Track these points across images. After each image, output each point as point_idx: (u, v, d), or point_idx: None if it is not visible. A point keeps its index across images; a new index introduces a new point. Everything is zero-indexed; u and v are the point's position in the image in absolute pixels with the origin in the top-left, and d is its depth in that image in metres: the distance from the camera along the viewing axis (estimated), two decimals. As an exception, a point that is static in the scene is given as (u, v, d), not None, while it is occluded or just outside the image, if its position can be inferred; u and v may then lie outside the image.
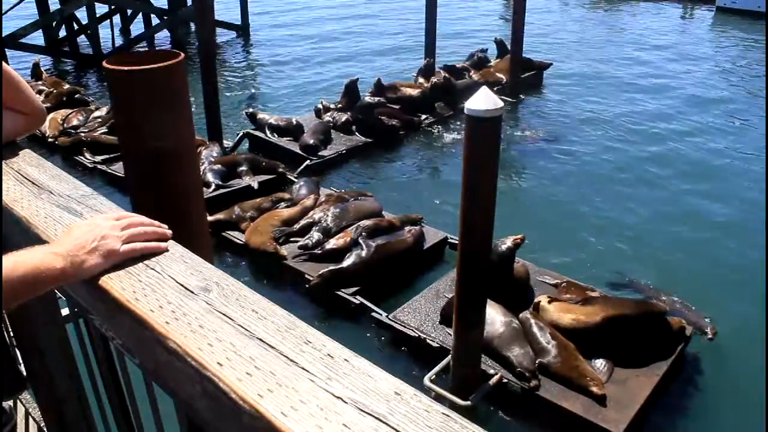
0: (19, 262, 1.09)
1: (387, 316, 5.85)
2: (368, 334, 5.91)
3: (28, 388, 2.62)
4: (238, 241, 7.13)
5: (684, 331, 5.52)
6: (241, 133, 10.26)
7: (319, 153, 9.60)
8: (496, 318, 5.29)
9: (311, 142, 9.60)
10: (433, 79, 11.76)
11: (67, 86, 12.05)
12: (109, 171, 9.06)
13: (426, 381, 5.03)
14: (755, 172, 9.49)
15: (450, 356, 5.02)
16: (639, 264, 7.04)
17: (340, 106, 11.13)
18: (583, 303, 5.62)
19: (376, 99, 11.04)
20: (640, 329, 5.37)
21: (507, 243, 5.82)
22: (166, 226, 1.26)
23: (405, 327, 5.72)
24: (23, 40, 14.46)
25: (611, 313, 5.32)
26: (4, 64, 1.65)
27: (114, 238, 1.16)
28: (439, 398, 4.80)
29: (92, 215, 1.32)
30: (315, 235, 6.88)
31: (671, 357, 5.29)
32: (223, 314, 0.98)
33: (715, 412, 5.14)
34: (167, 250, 1.19)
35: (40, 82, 12.36)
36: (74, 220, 1.30)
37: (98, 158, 9.40)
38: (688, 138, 10.96)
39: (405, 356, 5.64)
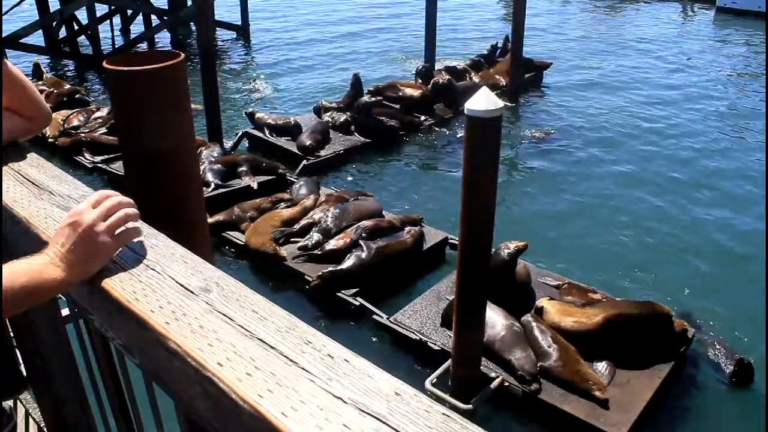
0: (19, 272, 1.08)
1: (388, 319, 5.85)
2: (368, 336, 5.91)
3: (28, 388, 2.62)
4: (238, 242, 7.13)
5: (686, 333, 5.51)
6: (240, 133, 10.26)
7: (318, 153, 9.60)
8: (497, 321, 5.29)
9: (308, 142, 9.60)
10: (435, 79, 11.75)
11: (67, 86, 12.06)
12: (109, 170, 9.06)
13: (427, 384, 5.02)
14: (753, 171, 9.50)
15: (451, 359, 5.02)
16: (641, 264, 7.04)
17: (340, 105, 11.14)
18: (585, 305, 5.61)
19: (374, 99, 11.05)
20: (642, 330, 5.36)
21: (510, 248, 5.81)
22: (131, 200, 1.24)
23: (406, 329, 5.71)
24: (23, 41, 14.46)
25: (611, 314, 5.31)
26: (11, 65, 1.64)
27: (102, 233, 1.14)
28: (440, 402, 4.79)
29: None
30: (315, 235, 6.88)
31: (673, 359, 5.28)
32: (223, 314, 0.98)
33: (718, 414, 5.13)
34: (139, 229, 1.19)
35: (40, 82, 12.36)
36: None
37: (98, 158, 9.40)
38: (689, 138, 10.97)
39: (406, 359, 5.64)
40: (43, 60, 15.26)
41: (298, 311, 0.96)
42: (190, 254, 1.18)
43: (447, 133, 11.08)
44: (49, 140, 10.04)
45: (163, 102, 1.87)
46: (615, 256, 7.26)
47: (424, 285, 6.55)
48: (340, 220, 7.05)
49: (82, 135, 9.94)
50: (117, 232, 1.16)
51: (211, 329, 0.94)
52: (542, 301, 5.66)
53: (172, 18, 17.09)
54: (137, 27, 18.22)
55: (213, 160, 8.66)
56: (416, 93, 11.59)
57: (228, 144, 9.91)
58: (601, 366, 5.13)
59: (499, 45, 14.15)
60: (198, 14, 9.52)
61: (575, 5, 23.90)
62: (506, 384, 5.02)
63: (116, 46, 16.77)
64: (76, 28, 16.74)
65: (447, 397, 4.90)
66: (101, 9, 16.62)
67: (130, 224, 1.19)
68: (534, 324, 5.33)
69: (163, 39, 17.90)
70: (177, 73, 1.89)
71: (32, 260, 1.13)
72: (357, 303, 6.11)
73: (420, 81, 12.34)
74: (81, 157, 9.58)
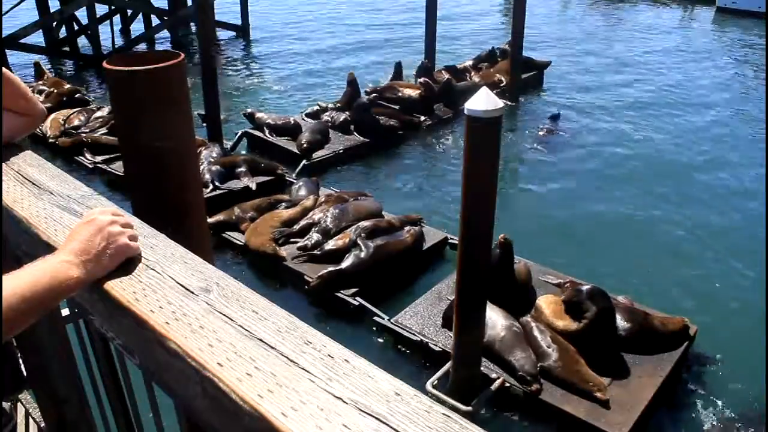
0: (41, 272, 1.09)
1: (389, 320, 5.84)
2: (369, 337, 5.90)
3: (27, 388, 2.62)
4: (238, 242, 7.13)
5: (688, 330, 5.51)
6: (239, 133, 10.26)
7: (317, 153, 9.60)
8: (497, 321, 5.27)
9: (307, 142, 9.59)
10: (424, 79, 11.70)
11: (68, 86, 12.05)
12: (109, 170, 9.06)
13: (428, 386, 5.00)
14: (754, 170, 9.50)
15: (451, 359, 5.01)
16: (643, 262, 7.04)
17: (338, 105, 11.14)
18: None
19: (372, 96, 11.05)
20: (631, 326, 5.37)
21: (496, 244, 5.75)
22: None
23: (407, 331, 5.70)
24: (23, 41, 14.46)
25: (596, 312, 5.28)
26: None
27: (118, 234, 1.16)
28: (440, 404, 4.78)
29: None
30: (314, 236, 6.87)
31: (675, 357, 5.28)
32: (224, 315, 0.98)
33: (720, 413, 5.12)
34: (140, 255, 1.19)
35: (40, 82, 12.37)
36: (74, 220, 1.30)
37: (98, 158, 9.40)
38: (690, 137, 10.97)
39: (407, 360, 5.63)
40: (43, 60, 15.26)
41: (297, 311, 0.96)
42: (189, 254, 1.18)
43: (447, 132, 11.08)
44: (50, 140, 10.04)
45: (163, 102, 1.86)
46: (617, 255, 7.26)
47: (424, 285, 6.54)
48: (340, 220, 7.05)
49: (83, 135, 9.94)
50: (131, 233, 1.18)
51: (211, 329, 0.94)
52: (540, 299, 5.65)
53: (172, 18, 17.09)
54: (137, 27, 18.22)
55: (212, 160, 8.64)
56: (415, 93, 11.59)
57: (228, 144, 9.91)
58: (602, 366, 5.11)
59: (497, 50, 14.08)
60: (198, 14, 9.52)
61: (575, 5, 23.90)
62: (507, 385, 5.02)
63: (116, 46, 16.77)
64: (76, 28, 16.74)
65: (448, 399, 4.88)
66: (101, 9, 16.62)
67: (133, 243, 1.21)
68: (533, 324, 5.33)
69: (163, 39, 17.90)
70: (177, 73, 1.88)
71: (50, 260, 1.13)
72: (356, 303, 6.11)
73: (420, 80, 12.31)
74: (81, 158, 9.58)
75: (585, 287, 5.39)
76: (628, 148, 10.49)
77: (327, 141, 10.03)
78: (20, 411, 2.66)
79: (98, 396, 1.71)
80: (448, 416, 0.77)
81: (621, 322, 5.41)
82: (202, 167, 8.30)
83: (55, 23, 16.12)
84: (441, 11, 12.96)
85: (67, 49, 16.37)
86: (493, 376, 5.06)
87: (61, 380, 1.86)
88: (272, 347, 0.89)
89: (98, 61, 14.18)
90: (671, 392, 5.23)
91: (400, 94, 11.60)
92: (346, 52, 16.94)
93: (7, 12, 16.06)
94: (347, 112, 10.70)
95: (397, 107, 11.34)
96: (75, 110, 10.77)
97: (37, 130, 10.52)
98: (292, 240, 7.00)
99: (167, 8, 17.38)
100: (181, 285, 1.07)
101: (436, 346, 5.48)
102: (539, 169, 9.78)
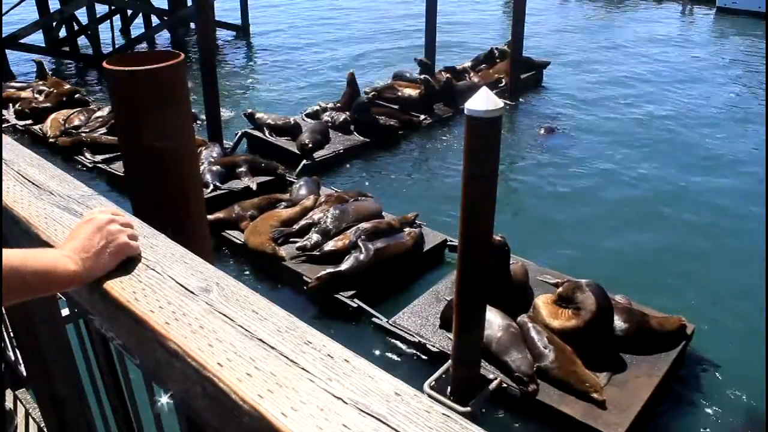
0: (34, 257, 1.10)
1: (387, 321, 5.84)
2: (367, 338, 5.89)
3: (28, 388, 2.62)
4: (237, 241, 7.13)
5: (685, 329, 5.51)
6: (239, 133, 10.26)
7: (318, 153, 9.60)
8: (494, 322, 5.26)
9: (307, 142, 9.59)
10: (425, 76, 11.70)
11: (67, 86, 12.05)
12: (109, 170, 9.07)
13: (426, 387, 5.00)
14: (754, 172, 9.50)
15: (449, 361, 5.01)
16: (643, 262, 7.04)
17: (338, 105, 11.15)
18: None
19: (371, 95, 11.05)
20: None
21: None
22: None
23: (405, 332, 5.69)
24: (23, 41, 14.46)
25: (592, 312, 5.28)
26: None
27: (117, 232, 1.16)
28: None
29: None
30: (314, 236, 6.86)
31: (672, 356, 5.28)
32: (223, 315, 0.98)
33: (719, 412, 5.12)
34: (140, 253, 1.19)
35: (41, 82, 12.38)
36: (74, 220, 1.30)
37: (98, 158, 9.41)
38: (689, 136, 10.97)
39: (405, 361, 5.63)
40: (43, 60, 15.26)
41: (296, 312, 0.96)
42: (190, 254, 1.18)
43: (447, 132, 11.08)
44: (50, 140, 10.05)
45: (163, 102, 1.87)
46: (617, 254, 7.26)
47: (423, 286, 6.53)
48: (340, 221, 7.03)
49: (83, 135, 9.94)
50: (130, 233, 1.19)
51: (211, 329, 0.95)
52: (537, 299, 5.65)
53: (172, 18, 17.09)
54: (137, 27, 18.21)
55: (212, 160, 8.65)
56: (415, 92, 11.60)
57: (228, 144, 9.91)
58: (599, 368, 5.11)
59: (497, 51, 14.06)
60: (198, 14, 9.52)
61: (574, 4, 23.90)
62: (504, 385, 5.02)
63: (116, 46, 16.76)
64: (76, 28, 16.74)
65: (445, 400, 4.88)
66: (101, 9, 16.62)
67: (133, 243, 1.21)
68: (530, 325, 5.32)
69: (163, 39, 17.90)
70: (177, 73, 1.89)
71: (48, 250, 1.15)
72: (355, 305, 6.11)
73: (420, 77, 12.27)
74: (81, 157, 9.58)
75: (582, 281, 5.39)
76: (627, 147, 10.48)
77: (327, 141, 10.03)
78: (20, 411, 2.66)
79: (98, 396, 1.71)
80: (448, 416, 0.77)
81: (619, 322, 5.40)
82: (202, 167, 8.30)
83: (55, 23, 16.12)
84: (441, 12, 12.94)
85: (67, 49, 16.37)
86: (491, 376, 5.06)
87: (61, 380, 1.86)
88: (272, 347, 0.90)
89: (98, 61, 14.18)
90: (668, 392, 5.22)
91: (399, 94, 11.61)
92: (346, 52, 16.94)
93: (7, 12, 16.06)
94: (347, 112, 10.70)
95: (396, 107, 11.35)
96: (75, 110, 10.78)
97: (37, 129, 10.55)
98: (291, 240, 7.00)
99: (167, 8, 17.37)
100: (181, 285, 1.07)
101: (434, 347, 5.48)
102: (538, 168, 9.77)
